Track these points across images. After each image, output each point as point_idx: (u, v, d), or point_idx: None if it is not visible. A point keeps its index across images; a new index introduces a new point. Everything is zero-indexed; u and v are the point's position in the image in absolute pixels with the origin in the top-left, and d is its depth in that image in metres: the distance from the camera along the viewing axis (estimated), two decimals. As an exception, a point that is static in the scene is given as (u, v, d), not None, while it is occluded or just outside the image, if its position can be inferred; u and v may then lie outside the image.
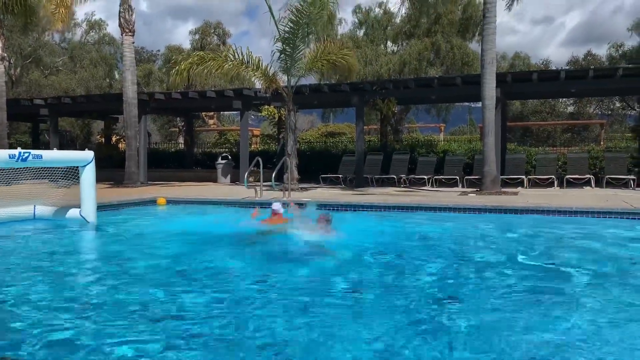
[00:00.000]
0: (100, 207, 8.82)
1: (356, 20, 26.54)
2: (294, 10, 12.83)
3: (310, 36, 13.31)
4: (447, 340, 3.32)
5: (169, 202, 10.93)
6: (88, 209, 8.23)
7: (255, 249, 6.53)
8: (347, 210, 9.94)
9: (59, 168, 8.39)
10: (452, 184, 15.24)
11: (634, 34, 28.23)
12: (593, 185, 14.23)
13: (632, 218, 8.40)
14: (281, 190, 12.20)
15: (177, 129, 30.27)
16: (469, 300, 4.24)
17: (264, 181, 11.95)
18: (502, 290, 4.51)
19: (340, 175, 16.18)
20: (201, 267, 5.42)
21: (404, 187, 15.21)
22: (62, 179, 8.51)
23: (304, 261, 5.71)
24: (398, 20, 25.28)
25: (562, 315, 3.77)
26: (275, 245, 6.70)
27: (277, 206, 7.66)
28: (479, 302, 4.18)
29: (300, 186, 13.96)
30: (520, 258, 5.79)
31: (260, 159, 11.85)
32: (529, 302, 4.17)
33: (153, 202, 10.91)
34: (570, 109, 34.71)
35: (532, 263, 5.57)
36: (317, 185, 15.54)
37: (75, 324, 3.62)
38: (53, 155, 7.84)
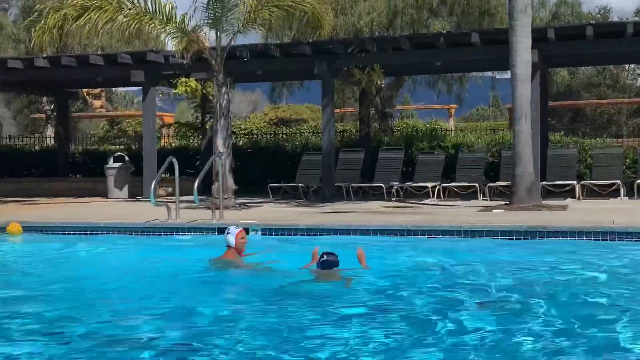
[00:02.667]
0: None
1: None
2: None
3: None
4: None
5: (27, 229, 10.76)
6: None
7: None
8: (310, 236, 9.95)
9: None
10: (468, 194, 15.41)
11: None
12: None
13: None
14: (208, 208, 12.12)
15: (43, 116, 29.75)
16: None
17: (181, 195, 11.84)
18: None
19: (299, 185, 16.18)
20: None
21: (396, 200, 15.28)
22: None
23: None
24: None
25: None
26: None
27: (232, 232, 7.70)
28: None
29: (238, 201, 13.89)
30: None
31: (175, 161, 11.75)
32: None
33: (2, 229, 10.74)
34: (642, 80, 35.75)
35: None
36: (263, 200, 15.47)
37: None
38: None
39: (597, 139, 21.41)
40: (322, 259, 6.91)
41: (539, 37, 13.65)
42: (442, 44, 14.98)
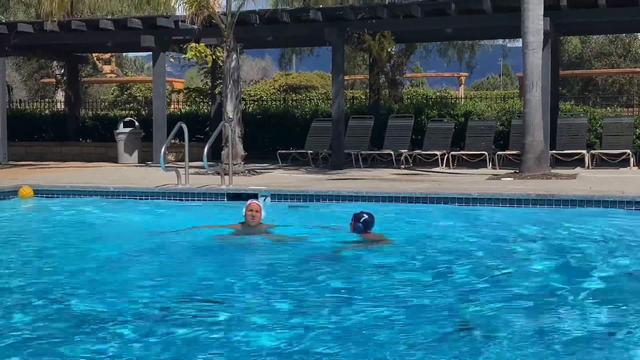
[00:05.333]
0: None
1: None
2: None
3: None
4: None
5: (38, 193, 10.83)
6: None
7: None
8: (320, 202, 9.99)
9: None
10: (477, 163, 15.40)
11: None
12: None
13: None
14: (218, 173, 12.15)
15: (53, 80, 29.75)
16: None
17: (191, 160, 11.87)
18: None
19: (308, 151, 16.19)
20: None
21: (405, 167, 15.30)
22: None
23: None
24: None
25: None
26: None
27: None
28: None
29: (247, 168, 13.92)
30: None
31: (184, 126, 11.76)
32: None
33: (13, 193, 10.81)
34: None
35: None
36: (273, 166, 15.51)
37: None
38: None
39: (608, 108, 21.30)
40: (362, 219, 7.04)
41: (551, 4, 13.51)
42: (453, 11, 14.86)
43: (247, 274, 6.31)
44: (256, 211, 7.58)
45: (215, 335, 4.44)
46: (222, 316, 4.89)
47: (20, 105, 25.11)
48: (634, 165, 14.59)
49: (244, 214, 7.58)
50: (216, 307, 5.18)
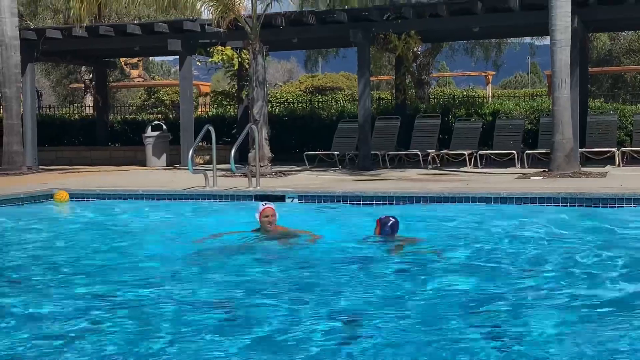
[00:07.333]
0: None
1: None
2: None
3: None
4: None
5: (73, 196, 10.93)
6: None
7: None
8: (347, 204, 9.98)
9: None
10: (506, 162, 15.30)
11: None
12: None
13: None
14: (245, 175, 12.20)
15: (82, 85, 30.05)
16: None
17: (218, 163, 11.93)
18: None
19: (334, 153, 16.19)
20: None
21: (433, 168, 15.23)
22: None
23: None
24: None
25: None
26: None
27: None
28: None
29: (274, 169, 13.95)
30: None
31: (212, 129, 11.82)
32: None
33: (48, 196, 10.92)
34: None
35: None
36: (299, 168, 15.53)
37: None
38: None
39: (638, 105, 21.05)
40: (389, 223, 7.02)
41: (579, 0, 13.42)
42: (480, 10, 14.80)
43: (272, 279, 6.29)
44: (272, 216, 7.31)
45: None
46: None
47: (49, 111, 25.38)
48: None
49: (258, 219, 7.33)
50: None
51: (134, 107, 28.46)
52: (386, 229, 7.02)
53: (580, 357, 4.07)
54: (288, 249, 7.30)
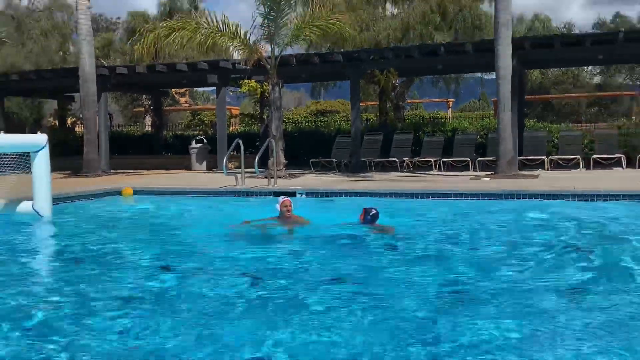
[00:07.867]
0: (56, 200, 8.79)
1: (350, -22, 26.34)
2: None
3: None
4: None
5: (137, 192, 10.95)
6: (42, 202, 8.19)
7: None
8: (343, 197, 9.97)
9: (6, 155, 8.32)
10: (462, 167, 15.28)
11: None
12: (624, 165, 14.33)
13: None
14: (266, 177, 12.20)
15: (143, 109, 30.07)
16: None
17: (245, 167, 11.94)
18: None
19: (333, 160, 16.20)
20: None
21: (407, 171, 15.24)
22: (11, 168, 8.45)
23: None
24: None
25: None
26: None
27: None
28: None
29: (288, 172, 13.96)
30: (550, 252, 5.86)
31: (240, 142, 11.84)
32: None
33: (117, 192, 10.93)
34: (597, 79, 34.83)
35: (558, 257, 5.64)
36: (307, 171, 15.53)
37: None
38: (0, 140, 7.77)
39: (562, 124, 21.03)
40: (371, 213, 6.89)
41: (517, 46, 13.42)
42: (443, 52, 14.83)
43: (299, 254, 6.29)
44: (289, 206, 7.31)
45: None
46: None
47: (118, 129, 25.42)
48: (582, 167, 14.42)
49: (278, 209, 7.30)
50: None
51: (182, 126, 28.48)
52: (367, 217, 6.92)
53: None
54: (301, 228, 7.36)
